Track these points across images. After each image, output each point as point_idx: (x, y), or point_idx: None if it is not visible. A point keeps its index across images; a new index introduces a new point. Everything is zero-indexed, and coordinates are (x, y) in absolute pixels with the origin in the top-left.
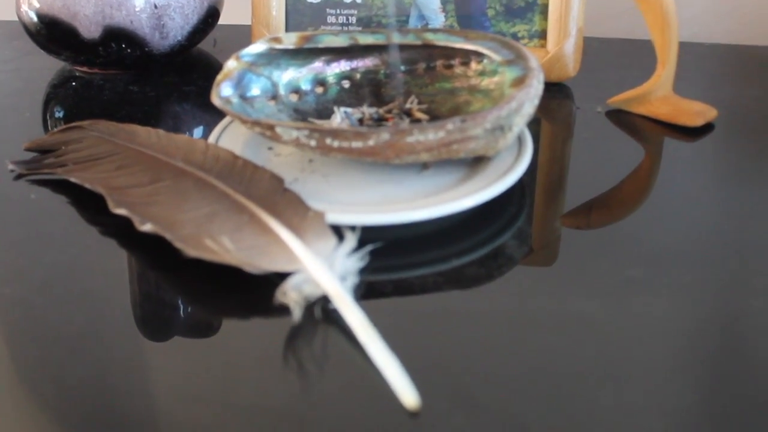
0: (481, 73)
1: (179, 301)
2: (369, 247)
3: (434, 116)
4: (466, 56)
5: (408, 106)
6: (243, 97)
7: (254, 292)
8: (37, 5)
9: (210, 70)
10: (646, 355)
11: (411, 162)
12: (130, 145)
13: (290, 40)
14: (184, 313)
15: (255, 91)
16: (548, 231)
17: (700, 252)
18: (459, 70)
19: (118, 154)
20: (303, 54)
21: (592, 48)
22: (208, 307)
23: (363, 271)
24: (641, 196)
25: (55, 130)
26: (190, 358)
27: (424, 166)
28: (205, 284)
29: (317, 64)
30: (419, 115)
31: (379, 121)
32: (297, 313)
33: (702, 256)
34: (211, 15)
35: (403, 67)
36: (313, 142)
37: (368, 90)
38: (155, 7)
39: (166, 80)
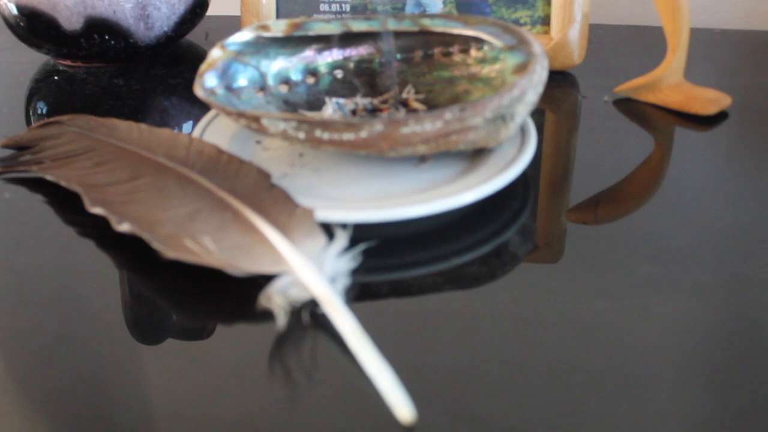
0: (482, 61)
1: (156, 307)
2: (362, 246)
3: (432, 106)
4: (466, 43)
5: (404, 96)
6: (229, 88)
7: (237, 296)
8: None
9: (198, 62)
10: (663, 359)
11: (407, 155)
12: (110, 140)
13: (279, 28)
14: (160, 320)
15: (242, 81)
16: (553, 227)
17: (713, 248)
18: (458, 57)
19: (97, 150)
20: (293, 42)
21: (598, 35)
22: (187, 313)
23: (355, 272)
24: (651, 189)
25: (33, 125)
26: (166, 369)
27: (421, 159)
28: (185, 288)
29: (308, 53)
30: (416, 105)
31: (374, 112)
32: (281, 320)
33: (716, 253)
34: (199, 5)
35: (398, 56)
36: (301, 135)
37: (362, 80)
38: None
39: (152, 73)
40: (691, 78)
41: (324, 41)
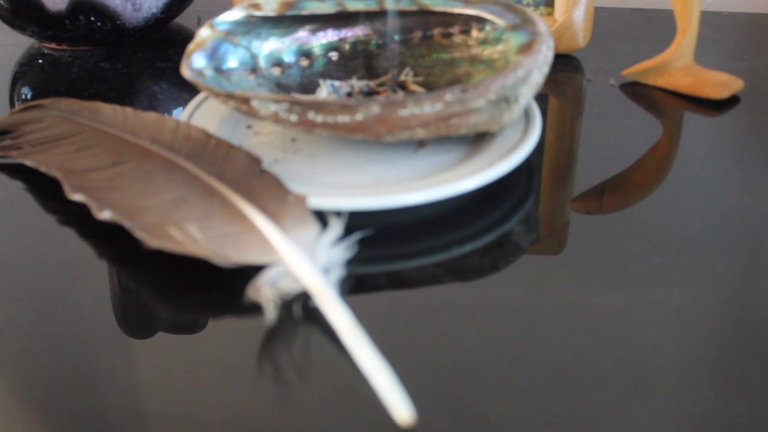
0: (484, 42)
1: (139, 300)
2: (357, 236)
3: (431, 90)
4: (467, 23)
5: (402, 78)
6: (218, 70)
7: (224, 288)
8: None
9: None
10: (677, 355)
11: (405, 139)
12: (94, 124)
13: (271, 7)
14: (143, 314)
15: (232, 63)
16: (556, 216)
17: (724, 238)
18: (459, 38)
19: (79, 135)
20: (286, 22)
21: (603, 18)
22: (170, 306)
23: (350, 263)
24: (659, 177)
25: (14, 109)
26: (149, 366)
27: (420, 144)
28: (169, 280)
29: (302, 34)
30: (415, 88)
31: (370, 95)
32: (270, 313)
33: (726, 243)
34: None
35: (396, 37)
36: (294, 117)
37: (358, 62)
38: None
39: (140, 57)
40: (700, 62)
41: (319, 21)
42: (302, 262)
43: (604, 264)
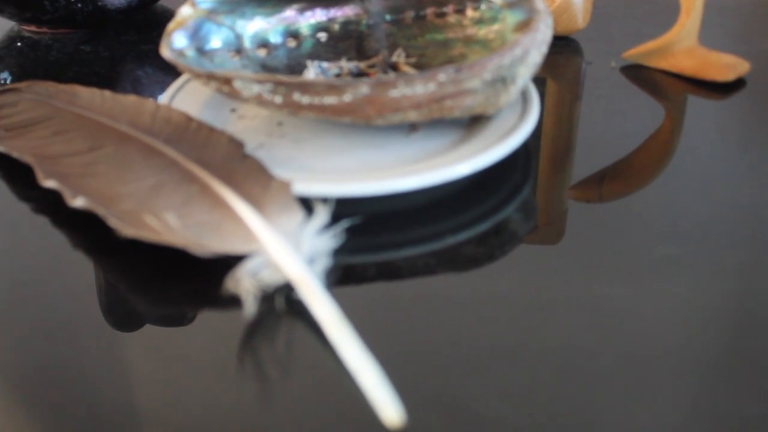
0: (479, 21)
1: (113, 292)
2: (345, 223)
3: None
4: (461, 2)
5: (394, 59)
6: (200, 50)
7: (202, 279)
8: None
9: None
10: (683, 349)
11: (396, 123)
12: (70, 108)
13: None
14: (117, 307)
15: (215, 43)
16: (554, 204)
17: (729, 227)
18: (453, 18)
19: (55, 119)
20: (272, 1)
21: None
22: (147, 298)
23: (337, 252)
24: (661, 164)
25: None
26: (123, 363)
27: (412, 127)
28: (146, 270)
29: (289, 14)
30: (407, 69)
31: (360, 77)
32: (251, 306)
33: (732, 232)
34: None
35: (387, 17)
36: (278, 99)
37: (348, 43)
38: None
39: (122, 39)
40: (704, 44)
41: (306, 0)
42: (285, 252)
43: (603, 254)
